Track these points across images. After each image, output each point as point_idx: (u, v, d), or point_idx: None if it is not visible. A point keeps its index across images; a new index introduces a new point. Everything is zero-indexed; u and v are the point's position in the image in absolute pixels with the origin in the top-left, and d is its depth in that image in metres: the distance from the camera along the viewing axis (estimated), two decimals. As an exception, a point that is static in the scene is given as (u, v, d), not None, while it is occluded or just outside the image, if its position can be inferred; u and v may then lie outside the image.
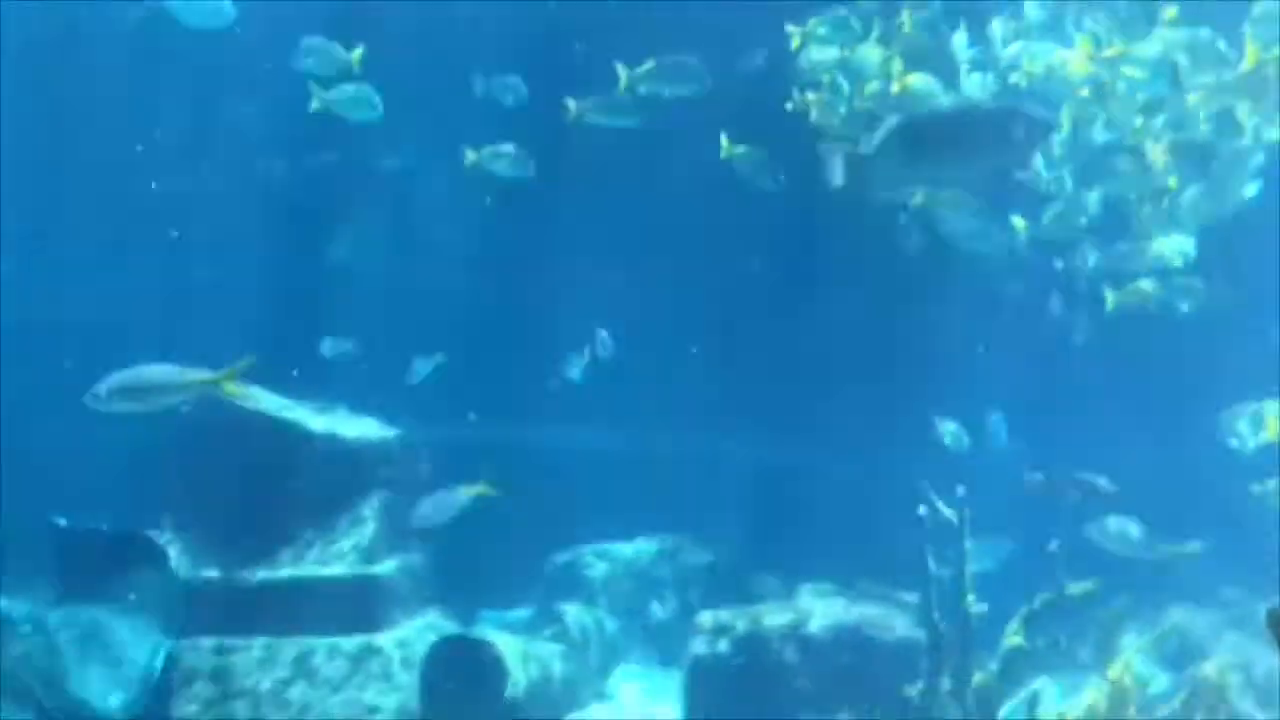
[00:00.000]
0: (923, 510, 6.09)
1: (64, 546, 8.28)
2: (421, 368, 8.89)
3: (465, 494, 7.40)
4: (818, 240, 9.25)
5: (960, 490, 6.16)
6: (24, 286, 9.31)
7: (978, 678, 5.93)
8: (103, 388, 5.63)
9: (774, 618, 7.16)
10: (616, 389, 9.43)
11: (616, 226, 9.57)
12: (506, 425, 10.41)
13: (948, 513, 6.08)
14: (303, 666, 7.47)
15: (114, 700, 7.49)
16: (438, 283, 9.88)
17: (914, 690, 6.01)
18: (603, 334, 8.71)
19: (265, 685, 7.41)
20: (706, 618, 6.52)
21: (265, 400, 8.48)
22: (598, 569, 8.55)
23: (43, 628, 8.00)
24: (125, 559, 8.46)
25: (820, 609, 7.31)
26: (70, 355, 7.99)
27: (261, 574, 7.85)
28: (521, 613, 9.01)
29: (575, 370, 8.83)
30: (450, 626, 8.45)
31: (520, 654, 7.35)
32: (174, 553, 8.04)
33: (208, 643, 7.62)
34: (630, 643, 8.35)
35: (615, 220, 9.58)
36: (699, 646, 6.32)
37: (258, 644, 7.61)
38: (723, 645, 6.27)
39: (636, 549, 8.80)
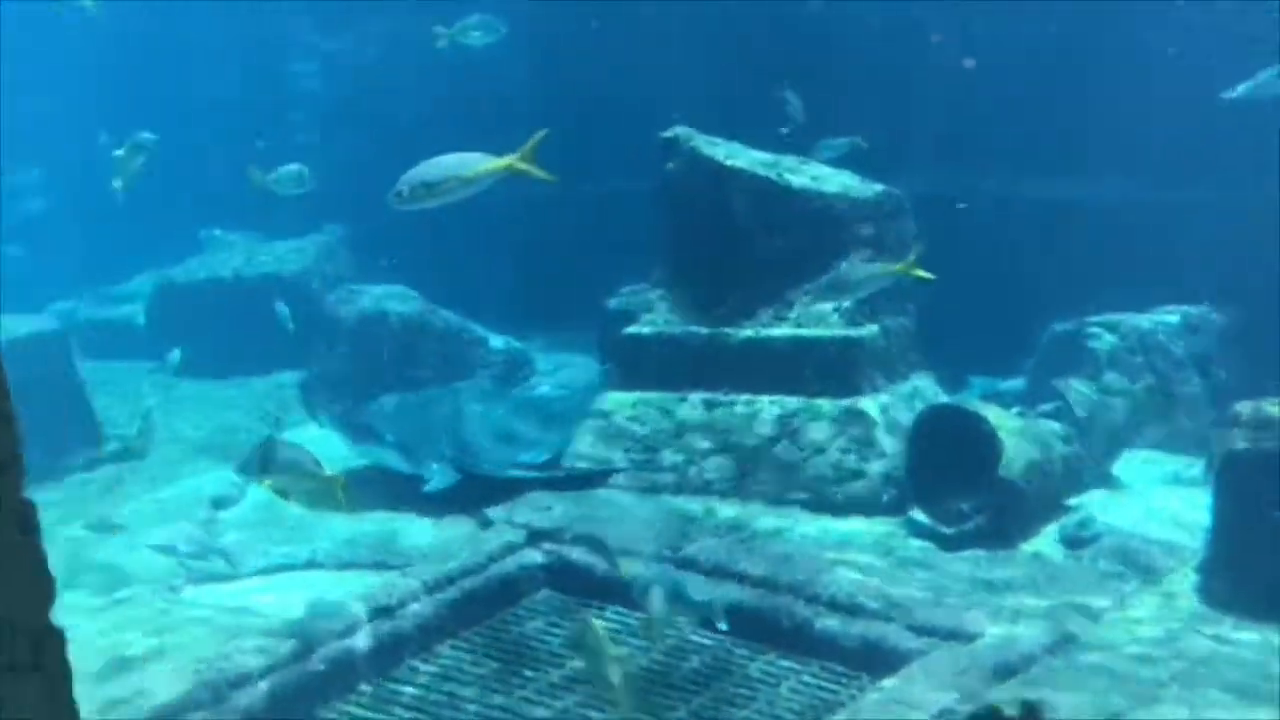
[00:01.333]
0: None
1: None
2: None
3: (884, 271, 6.78)
4: None
5: None
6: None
7: None
8: (404, 186, 5.34)
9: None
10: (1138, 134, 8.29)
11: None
12: (998, 179, 9.58)
13: None
14: (785, 426, 7.39)
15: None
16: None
17: None
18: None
19: (750, 442, 7.43)
20: (1245, 408, 5.55)
21: (743, 156, 8.25)
22: (1104, 341, 7.66)
23: None
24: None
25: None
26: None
27: (745, 332, 7.77)
28: (1014, 383, 8.37)
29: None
30: (936, 393, 8.04)
31: (1016, 429, 6.78)
32: (663, 309, 8.17)
33: (697, 397, 7.73)
34: (1143, 424, 7.47)
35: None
36: (1237, 440, 5.41)
37: (741, 401, 7.62)
38: (1269, 441, 5.31)
39: (1154, 321, 7.77)
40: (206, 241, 12.27)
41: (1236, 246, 8.06)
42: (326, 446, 9.26)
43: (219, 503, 8.05)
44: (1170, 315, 7.85)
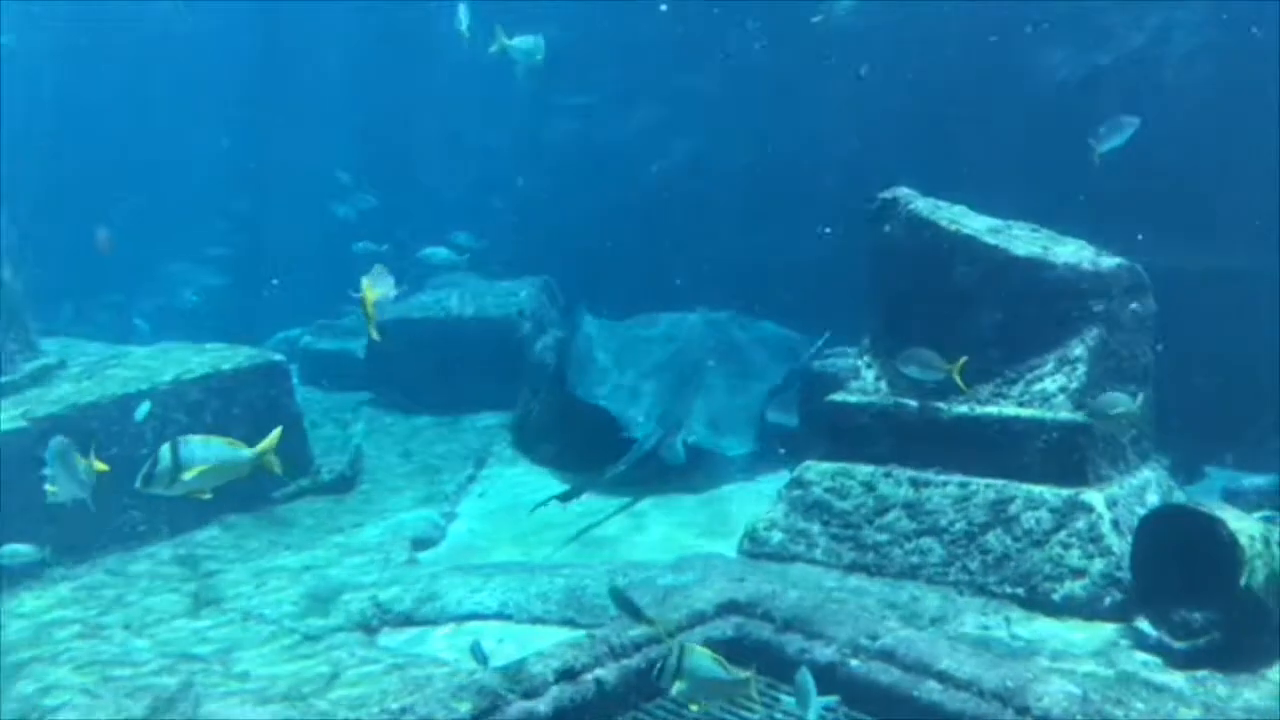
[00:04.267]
0: None
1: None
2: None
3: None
4: None
5: None
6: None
7: None
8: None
9: None
10: None
11: None
12: (1252, 254, 8.88)
13: None
14: (999, 513, 6.93)
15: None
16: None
17: None
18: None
19: (960, 526, 7.00)
20: None
21: (968, 220, 7.86)
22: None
23: None
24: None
25: None
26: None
27: (960, 408, 7.36)
28: (1262, 479, 7.62)
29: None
30: (1170, 488, 7.40)
31: (1260, 535, 6.11)
32: (870, 377, 7.85)
33: (903, 474, 7.36)
34: None
35: None
36: None
37: (953, 482, 7.20)
38: None
39: None
40: (431, 278, 12.70)
41: None
42: (533, 481, 9.45)
43: (419, 543, 8.18)
44: None
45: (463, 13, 8.88)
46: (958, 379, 7.09)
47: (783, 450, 9.24)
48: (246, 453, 5.09)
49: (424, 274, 12.62)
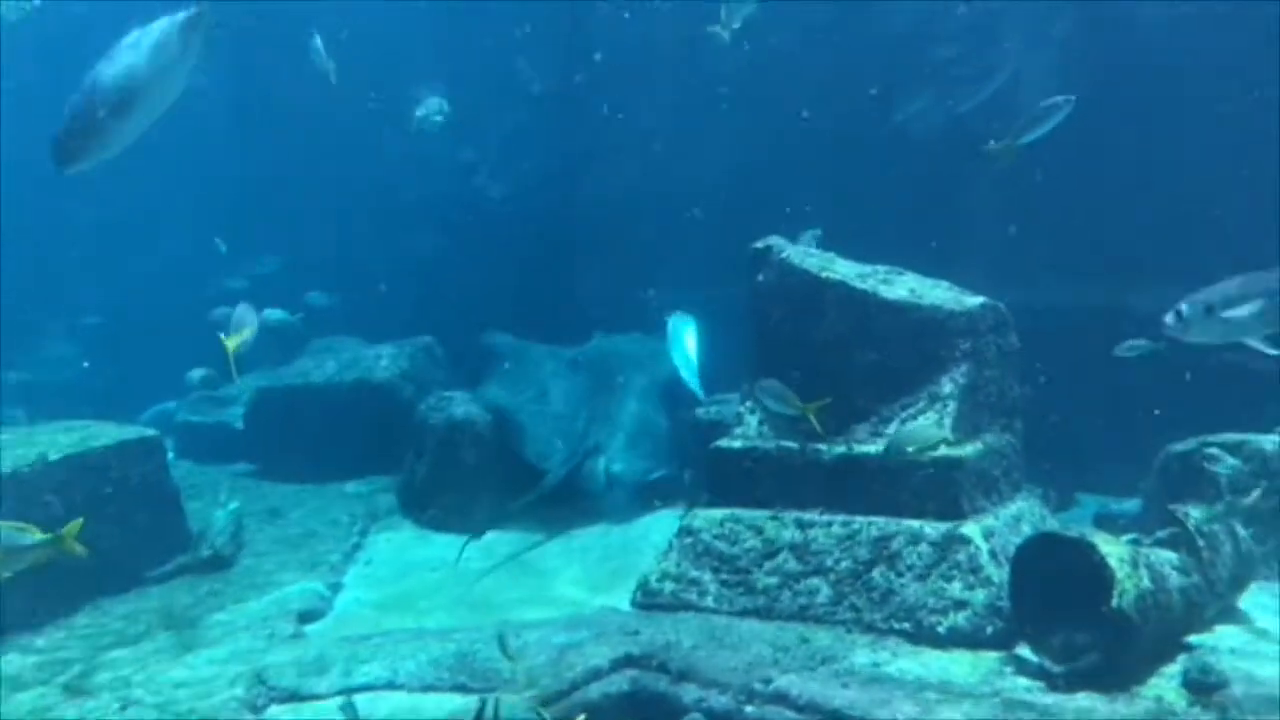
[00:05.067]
0: None
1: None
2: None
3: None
4: None
5: None
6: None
7: None
8: None
9: None
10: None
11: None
12: (1108, 288, 9.29)
13: None
14: (883, 550, 7.07)
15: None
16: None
17: None
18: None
19: (845, 564, 7.12)
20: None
21: (838, 267, 8.08)
22: (1226, 465, 7.21)
23: None
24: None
25: None
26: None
27: (839, 448, 7.51)
28: (1129, 505, 7.94)
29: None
30: (1043, 516, 7.66)
31: (1128, 558, 6.36)
32: (754, 422, 7.97)
33: (789, 516, 7.47)
34: (1270, 555, 6.98)
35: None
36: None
37: (837, 521, 7.33)
38: None
39: (1277, 443, 7.30)
40: (310, 343, 12.51)
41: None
42: (420, 546, 9.35)
43: (305, 615, 7.98)
44: (1298, 438, 7.38)
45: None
46: (812, 420, 7.24)
47: (688, 475, 9.38)
48: (31, 539, 4.88)
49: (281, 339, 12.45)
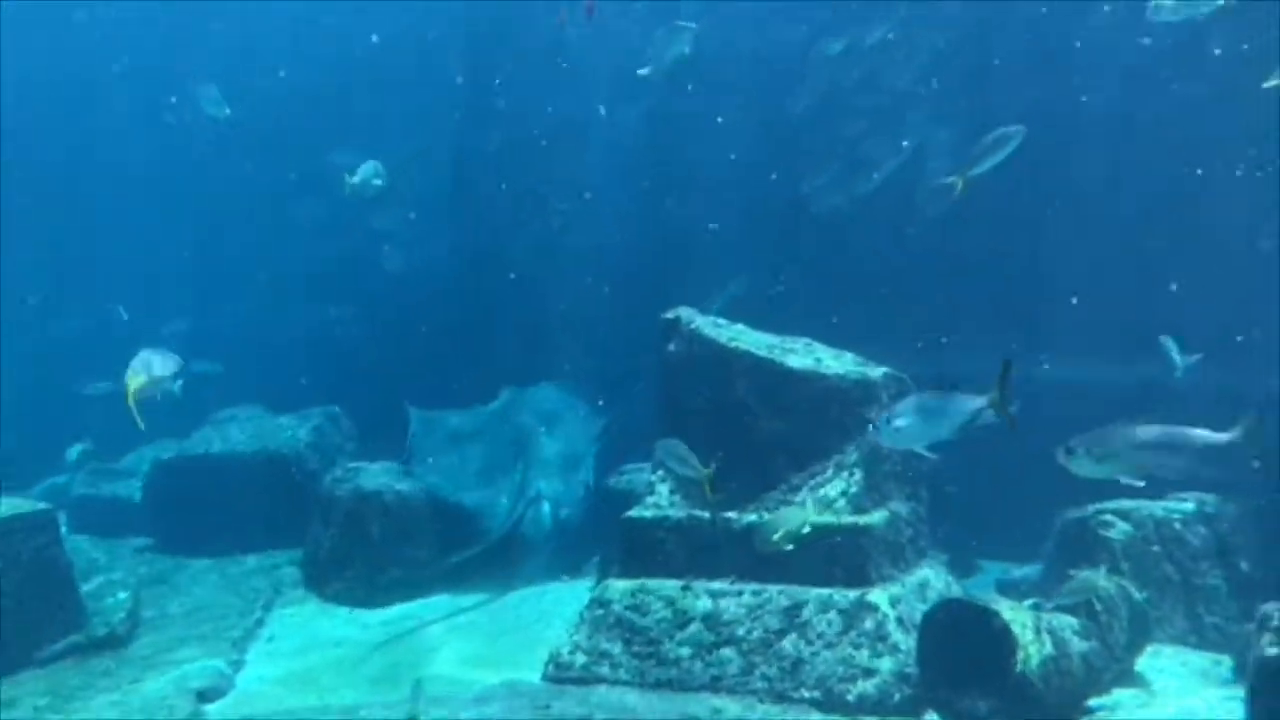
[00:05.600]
0: None
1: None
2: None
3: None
4: None
5: None
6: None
7: None
8: None
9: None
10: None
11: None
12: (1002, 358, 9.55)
13: None
14: (793, 618, 7.12)
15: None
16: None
17: None
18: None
19: (756, 633, 7.15)
20: (1274, 610, 5.31)
21: (746, 337, 8.22)
22: (1118, 530, 7.45)
23: None
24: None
25: None
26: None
27: (750, 517, 7.58)
28: (1030, 570, 8.12)
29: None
30: (948, 583, 7.80)
31: (1030, 624, 6.51)
32: (664, 491, 8.01)
33: (701, 586, 7.49)
34: (1163, 619, 7.21)
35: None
36: (1268, 645, 5.15)
37: (748, 590, 7.37)
38: (1300, 646, 5.06)
39: (1168, 508, 7.57)
40: (214, 415, 12.24)
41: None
42: (325, 620, 9.15)
43: (205, 695, 7.73)
44: (1185, 503, 7.65)
45: None
46: (708, 489, 7.29)
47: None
48: None
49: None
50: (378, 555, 9.73)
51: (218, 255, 14.12)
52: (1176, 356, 8.14)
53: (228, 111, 8.80)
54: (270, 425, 11.61)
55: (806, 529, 6.91)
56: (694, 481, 7.65)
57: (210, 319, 14.16)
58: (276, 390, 12.52)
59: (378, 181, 8.69)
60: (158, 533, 11.15)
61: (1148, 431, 5.59)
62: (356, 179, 8.59)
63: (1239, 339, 8.47)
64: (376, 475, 10.07)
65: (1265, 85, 7.54)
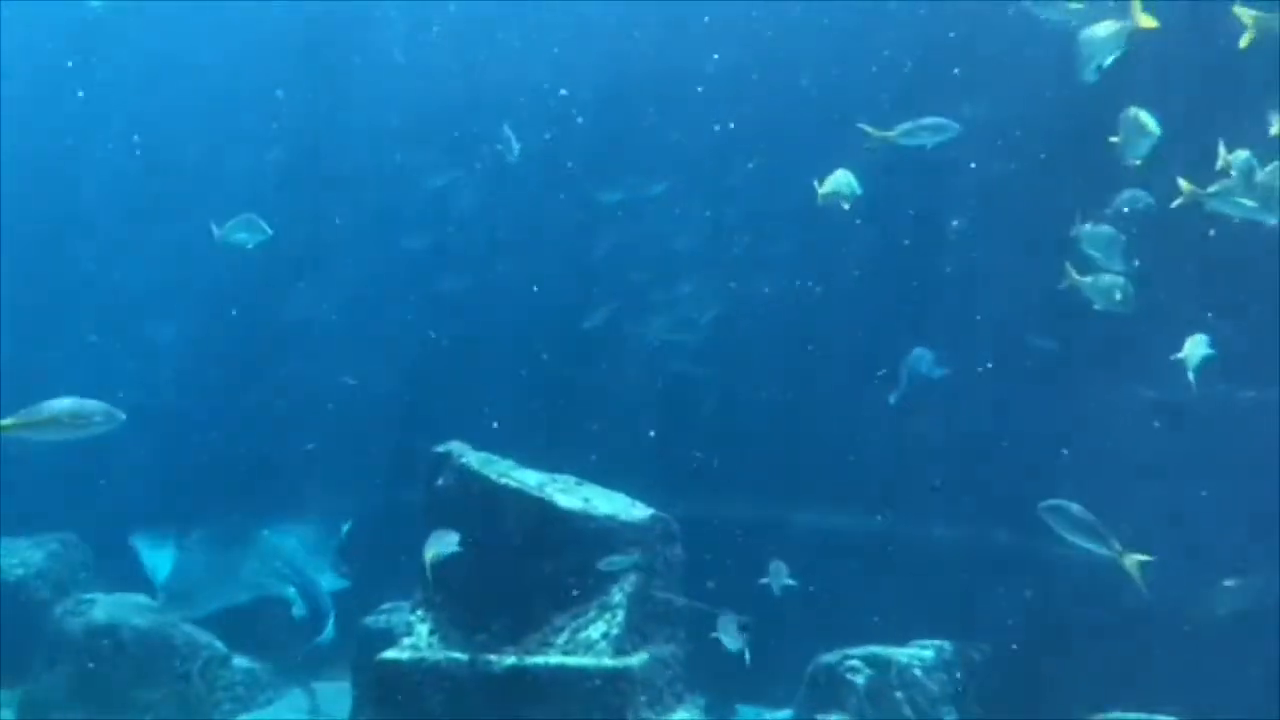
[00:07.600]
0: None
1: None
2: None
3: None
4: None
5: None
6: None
7: None
8: None
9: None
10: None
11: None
12: (769, 506, 9.87)
13: None
14: (551, 762, 7.01)
15: None
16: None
17: None
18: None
19: (513, 780, 6.99)
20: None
21: (516, 474, 8.22)
22: (863, 675, 7.71)
23: None
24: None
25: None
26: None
27: (510, 659, 7.47)
28: (783, 715, 8.27)
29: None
30: (705, 727, 7.87)
31: (782, 769, 6.63)
32: (424, 631, 7.81)
33: (454, 730, 7.29)
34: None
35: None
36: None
37: (506, 733, 7.22)
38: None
39: (909, 655, 7.91)
40: None
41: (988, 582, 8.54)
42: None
43: None
44: (925, 650, 8.02)
45: None
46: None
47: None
48: None
49: None
50: (114, 697, 9.03)
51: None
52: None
53: None
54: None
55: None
56: (454, 622, 7.50)
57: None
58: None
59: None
60: None
61: None
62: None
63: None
64: (113, 608, 9.40)
65: None
